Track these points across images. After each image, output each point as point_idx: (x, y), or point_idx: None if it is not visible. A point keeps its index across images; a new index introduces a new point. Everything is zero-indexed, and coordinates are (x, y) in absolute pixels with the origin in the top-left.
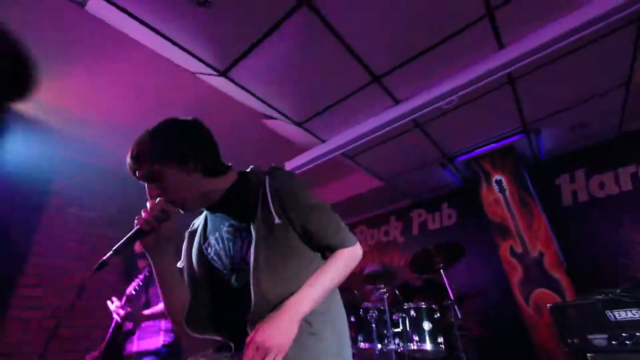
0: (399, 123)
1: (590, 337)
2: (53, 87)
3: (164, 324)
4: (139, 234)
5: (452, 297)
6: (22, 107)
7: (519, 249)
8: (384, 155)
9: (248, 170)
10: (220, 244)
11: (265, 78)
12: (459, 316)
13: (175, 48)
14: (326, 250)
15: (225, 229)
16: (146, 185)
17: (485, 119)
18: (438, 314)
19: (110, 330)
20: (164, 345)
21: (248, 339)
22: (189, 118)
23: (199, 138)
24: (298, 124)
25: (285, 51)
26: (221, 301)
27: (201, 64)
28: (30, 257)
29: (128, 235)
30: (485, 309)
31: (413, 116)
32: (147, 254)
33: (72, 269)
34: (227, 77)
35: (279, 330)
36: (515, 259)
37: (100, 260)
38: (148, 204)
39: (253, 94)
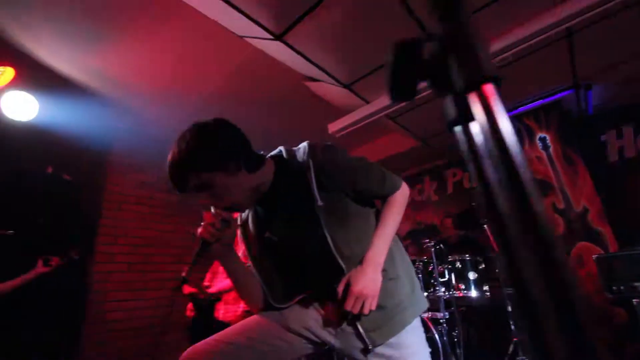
0: None
1: (636, 284)
2: (110, 58)
3: None
4: (206, 246)
5: (496, 250)
6: (83, 78)
7: (561, 205)
8: (426, 114)
9: (280, 153)
10: (283, 228)
11: (320, 40)
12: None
13: (234, 11)
14: (377, 200)
15: (284, 213)
16: (199, 195)
17: (536, 75)
18: (483, 265)
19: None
20: (245, 311)
21: (340, 288)
22: (213, 120)
23: (232, 138)
24: (345, 86)
25: (343, 11)
26: (292, 276)
27: (257, 28)
28: (102, 219)
29: (197, 250)
30: None
31: None
32: (218, 260)
33: (139, 227)
34: (282, 41)
35: (370, 280)
36: (557, 215)
37: (182, 278)
38: (205, 216)
39: (306, 58)
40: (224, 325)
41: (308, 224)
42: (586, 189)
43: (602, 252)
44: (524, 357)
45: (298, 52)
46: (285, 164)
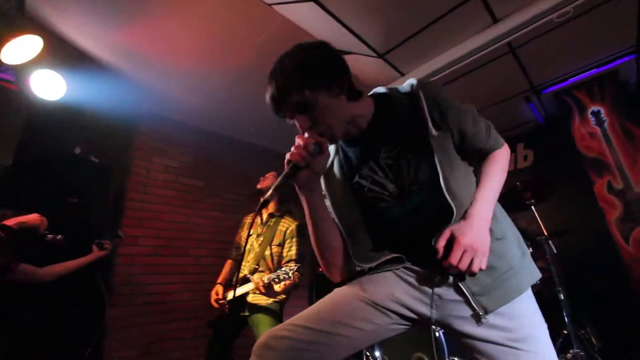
0: (496, 45)
1: None
2: (136, 34)
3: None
4: (294, 170)
5: (545, 233)
6: (109, 55)
7: (618, 185)
8: (464, 88)
9: (380, 90)
10: (381, 173)
11: (357, 2)
12: (554, 251)
13: None
14: (479, 155)
15: (383, 155)
16: (297, 117)
17: (593, 38)
18: (531, 249)
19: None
20: (274, 301)
21: (441, 243)
22: (316, 42)
23: (337, 60)
24: (380, 56)
25: None
26: (380, 231)
27: None
28: (127, 201)
29: (284, 172)
30: (576, 249)
31: (514, 36)
32: (300, 191)
33: (164, 212)
34: (316, 2)
35: (478, 235)
36: (613, 196)
37: (263, 199)
38: (298, 139)
39: (340, 21)
40: (252, 308)
41: (414, 160)
42: None
43: None
44: (577, 350)
45: (331, 15)
46: (388, 99)
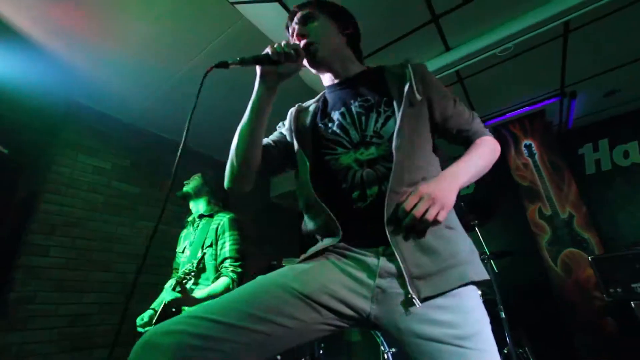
0: (447, 72)
1: (634, 285)
2: (77, 13)
3: None
4: (265, 58)
5: (487, 252)
6: (42, 32)
7: (547, 212)
8: None
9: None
10: (348, 118)
11: None
12: (496, 270)
13: None
14: (462, 139)
15: (357, 103)
16: (296, 27)
17: (527, 78)
18: None
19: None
20: None
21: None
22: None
23: (352, 19)
24: None
25: None
26: (326, 186)
27: None
28: (40, 204)
29: (257, 55)
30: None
31: (463, 65)
32: (257, 82)
33: (87, 218)
34: (280, 3)
35: (445, 186)
36: (543, 221)
37: (223, 61)
38: (283, 42)
39: None
40: None
41: (384, 114)
42: (571, 195)
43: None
44: None
45: None
46: (378, 67)
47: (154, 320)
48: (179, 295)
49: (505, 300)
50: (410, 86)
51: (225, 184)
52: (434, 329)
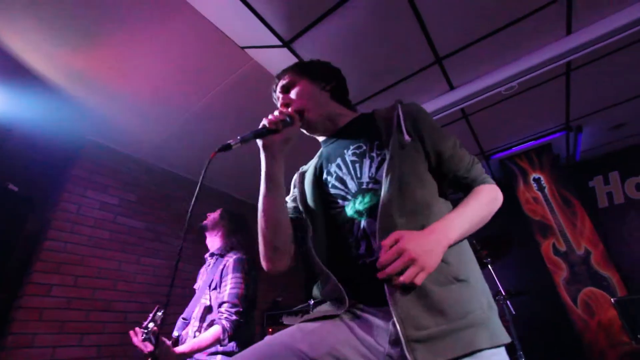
0: (451, 110)
1: None
2: (93, 59)
3: (221, 347)
4: (264, 130)
5: (503, 293)
6: (58, 76)
7: (562, 247)
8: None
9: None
10: (344, 169)
11: (328, 52)
12: (513, 312)
13: (242, 11)
14: (458, 186)
15: (350, 151)
16: (280, 97)
17: (532, 113)
18: None
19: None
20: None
21: (386, 242)
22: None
23: (332, 69)
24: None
25: (356, 23)
26: (337, 241)
27: (266, 32)
28: (45, 241)
29: (256, 130)
30: (528, 309)
31: (467, 103)
32: (263, 155)
33: (89, 255)
34: (289, 48)
35: (429, 247)
36: (559, 258)
37: (226, 143)
38: (276, 111)
39: None
40: None
41: (377, 159)
42: (586, 231)
43: (610, 297)
44: None
45: (301, 60)
46: (371, 113)
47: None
48: (154, 351)
49: (521, 341)
50: (399, 126)
51: (264, 265)
52: None
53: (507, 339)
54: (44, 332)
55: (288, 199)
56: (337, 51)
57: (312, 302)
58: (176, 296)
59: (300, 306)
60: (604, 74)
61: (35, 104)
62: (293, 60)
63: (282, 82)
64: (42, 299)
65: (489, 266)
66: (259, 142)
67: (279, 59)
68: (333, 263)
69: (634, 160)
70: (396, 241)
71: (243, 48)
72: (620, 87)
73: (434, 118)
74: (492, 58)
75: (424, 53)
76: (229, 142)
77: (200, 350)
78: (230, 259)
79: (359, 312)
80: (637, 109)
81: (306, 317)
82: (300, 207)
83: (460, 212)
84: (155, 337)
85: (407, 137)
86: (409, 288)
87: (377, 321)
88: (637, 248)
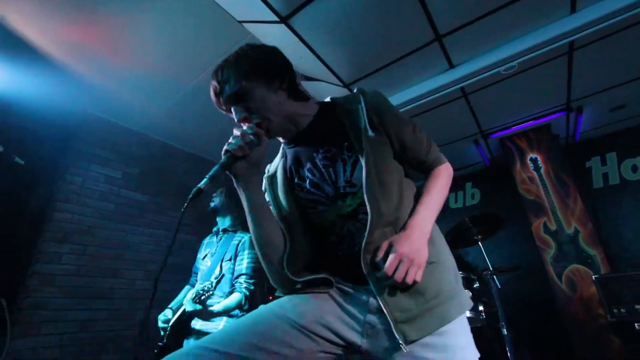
0: (451, 89)
1: (638, 307)
2: (91, 33)
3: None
4: (231, 160)
5: (491, 268)
6: (57, 50)
7: (553, 226)
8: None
9: (326, 100)
10: (318, 174)
11: (326, 28)
12: (499, 286)
13: None
14: (421, 169)
15: (320, 155)
16: (232, 109)
17: (533, 93)
18: (477, 284)
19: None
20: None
21: (381, 253)
22: (267, 45)
23: (281, 60)
24: (345, 85)
25: None
26: (318, 240)
27: (263, 7)
28: (53, 212)
29: (221, 161)
30: (515, 284)
31: (466, 82)
32: (237, 184)
33: (98, 226)
34: (287, 24)
35: (417, 245)
36: (548, 236)
37: (196, 188)
38: (235, 131)
39: (309, 46)
40: (200, 336)
41: (350, 161)
42: (577, 211)
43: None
44: None
45: (300, 39)
46: (330, 104)
47: (171, 322)
48: (199, 307)
49: (508, 315)
50: (364, 124)
51: (276, 287)
52: None
53: (471, 304)
54: (57, 297)
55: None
56: (335, 28)
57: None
58: (177, 266)
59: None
60: (607, 54)
61: (35, 78)
62: (290, 36)
63: (227, 91)
64: (54, 266)
65: (479, 243)
66: (229, 173)
67: (277, 35)
68: (316, 260)
69: (633, 142)
70: (389, 249)
71: (240, 22)
72: (623, 68)
73: (434, 97)
74: (494, 36)
75: (423, 30)
76: (198, 186)
77: (228, 311)
78: (246, 237)
79: (342, 287)
80: (638, 90)
81: (298, 289)
82: (276, 216)
83: (427, 204)
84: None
85: (371, 132)
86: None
87: (357, 295)
88: (627, 228)
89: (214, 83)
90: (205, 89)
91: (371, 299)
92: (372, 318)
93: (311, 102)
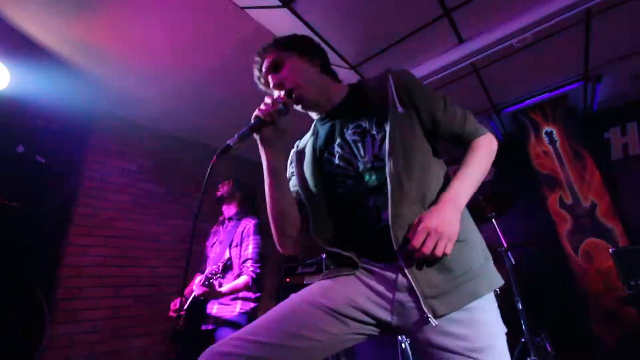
0: (461, 65)
1: None
2: (95, 28)
3: (242, 293)
4: (260, 124)
5: (504, 244)
6: (65, 49)
7: (569, 200)
8: None
9: (354, 82)
10: (347, 149)
11: (330, 9)
12: (513, 262)
13: None
14: (459, 143)
15: (350, 131)
16: (269, 76)
17: (548, 64)
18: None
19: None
20: (240, 313)
21: (412, 232)
22: None
23: (315, 42)
24: (352, 67)
25: None
26: (344, 216)
27: None
28: (76, 207)
29: (250, 124)
30: (530, 260)
31: (478, 57)
32: (262, 148)
33: (117, 218)
34: (290, 8)
35: (448, 218)
36: (564, 210)
37: (225, 144)
38: (267, 99)
39: (313, 30)
40: (217, 321)
41: (379, 137)
42: (594, 184)
43: (611, 248)
44: (534, 358)
45: (305, 23)
46: (360, 84)
47: (185, 307)
48: (206, 290)
49: (523, 290)
50: (393, 101)
51: (279, 250)
52: (448, 341)
53: (501, 282)
54: (87, 286)
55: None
56: (340, 9)
57: (325, 256)
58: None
59: (314, 259)
60: (627, 19)
61: (49, 79)
62: (294, 20)
63: (267, 61)
64: (80, 258)
65: (493, 220)
66: (256, 136)
67: (280, 20)
68: (341, 236)
69: None
70: (419, 222)
71: (243, 8)
72: None
73: (444, 73)
74: (505, 7)
75: (431, 5)
76: (227, 143)
77: (234, 292)
78: (250, 223)
79: (370, 267)
80: None
81: (324, 274)
82: (300, 190)
83: (465, 176)
84: (209, 282)
85: (401, 109)
86: (434, 261)
87: (387, 274)
88: None
89: (256, 58)
90: (210, 78)
91: (400, 277)
92: (402, 296)
93: (343, 83)
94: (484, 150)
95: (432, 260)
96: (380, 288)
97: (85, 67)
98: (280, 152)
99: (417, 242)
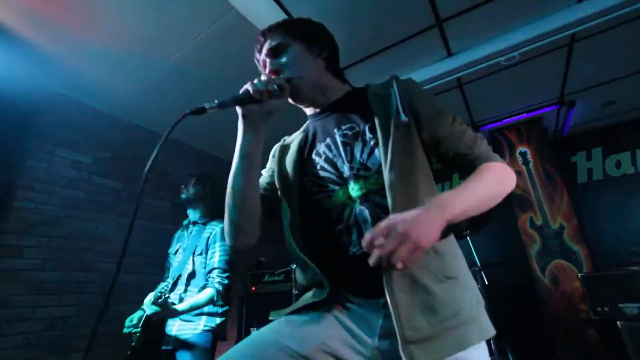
0: (448, 78)
1: (621, 305)
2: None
3: (208, 308)
4: (245, 98)
5: (479, 264)
6: (15, 21)
7: (538, 221)
8: None
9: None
10: (334, 150)
11: (318, 8)
12: (486, 282)
13: None
14: (460, 166)
15: (341, 131)
16: (267, 61)
17: (528, 85)
18: None
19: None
20: (204, 332)
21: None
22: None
23: (327, 34)
24: None
25: None
26: (320, 227)
27: None
28: (13, 201)
29: (237, 95)
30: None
31: (465, 72)
32: (241, 124)
33: (64, 216)
34: (276, 1)
35: (424, 220)
36: (534, 231)
37: (201, 106)
38: (263, 76)
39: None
40: (177, 341)
41: (371, 143)
42: (563, 206)
43: (577, 271)
44: None
45: (290, 16)
46: (363, 88)
47: (140, 324)
48: (158, 309)
49: (491, 308)
50: (396, 108)
51: (228, 241)
52: None
53: (493, 332)
54: (21, 293)
55: (264, 171)
56: (329, 8)
57: (296, 291)
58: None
59: (283, 269)
60: (607, 48)
61: None
62: (280, 14)
63: (270, 43)
64: (16, 261)
65: (468, 238)
66: (238, 110)
67: (264, 9)
68: (313, 249)
69: (618, 138)
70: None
71: None
72: (619, 63)
73: (429, 86)
74: (497, 23)
75: (424, 13)
76: (204, 105)
77: (195, 309)
78: (217, 228)
79: (347, 304)
80: (629, 86)
81: (293, 307)
82: (277, 185)
83: (464, 187)
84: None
85: (403, 118)
86: (406, 274)
87: (366, 313)
88: (608, 224)
89: (260, 37)
90: (184, 69)
91: (381, 320)
92: (382, 343)
93: (345, 81)
94: (497, 174)
95: (423, 300)
96: (360, 332)
97: (40, 42)
98: (259, 134)
99: (367, 238)
